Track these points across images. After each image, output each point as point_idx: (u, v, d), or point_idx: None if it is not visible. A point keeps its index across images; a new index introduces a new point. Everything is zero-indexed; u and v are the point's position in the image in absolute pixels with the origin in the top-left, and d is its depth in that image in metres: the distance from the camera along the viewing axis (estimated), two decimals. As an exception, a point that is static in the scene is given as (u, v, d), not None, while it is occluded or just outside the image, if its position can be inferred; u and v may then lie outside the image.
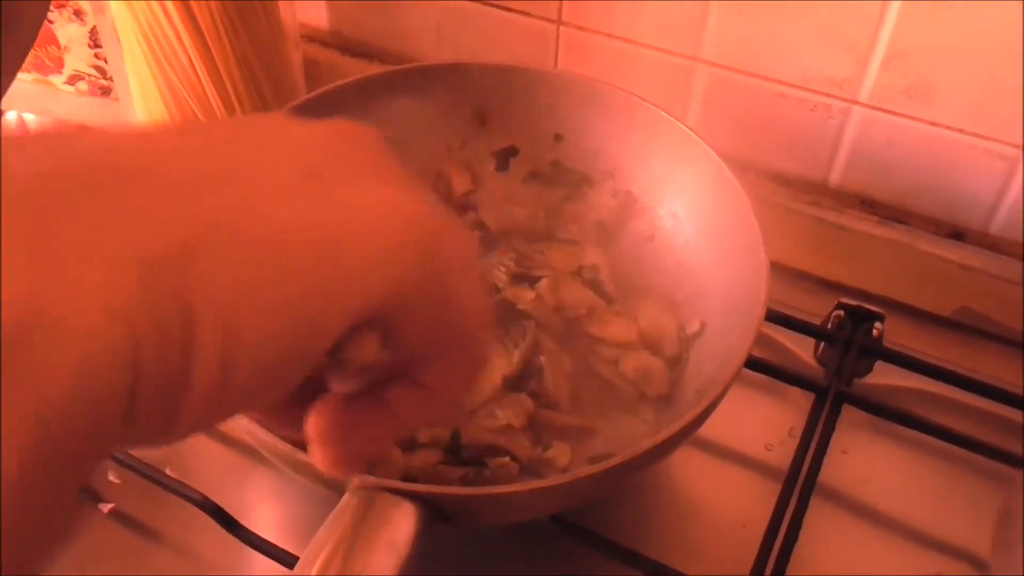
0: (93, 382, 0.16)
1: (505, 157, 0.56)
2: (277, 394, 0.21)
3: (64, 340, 0.16)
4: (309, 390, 0.25)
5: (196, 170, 0.19)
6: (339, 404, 0.25)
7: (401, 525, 0.35)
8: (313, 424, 0.25)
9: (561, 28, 0.64)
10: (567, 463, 0.46)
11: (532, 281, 0.53)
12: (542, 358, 0.49)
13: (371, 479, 0.36)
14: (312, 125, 0.24)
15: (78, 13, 0.70)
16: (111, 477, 0.50)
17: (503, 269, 0.52)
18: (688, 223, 0.53)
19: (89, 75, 0.74)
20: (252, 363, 0.19)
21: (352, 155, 0.23)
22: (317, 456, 0.25)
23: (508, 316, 0.51)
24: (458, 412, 0.27)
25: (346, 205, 0.21)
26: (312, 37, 0.74)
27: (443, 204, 0.24)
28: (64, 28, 0.71)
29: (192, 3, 0.57)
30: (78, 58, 0.73)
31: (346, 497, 0.36)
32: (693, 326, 0.50)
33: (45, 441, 0.16)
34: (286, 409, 0.26)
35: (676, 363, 0.50)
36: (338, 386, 0.25)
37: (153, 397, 0.18)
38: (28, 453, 0.16)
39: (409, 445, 0.46)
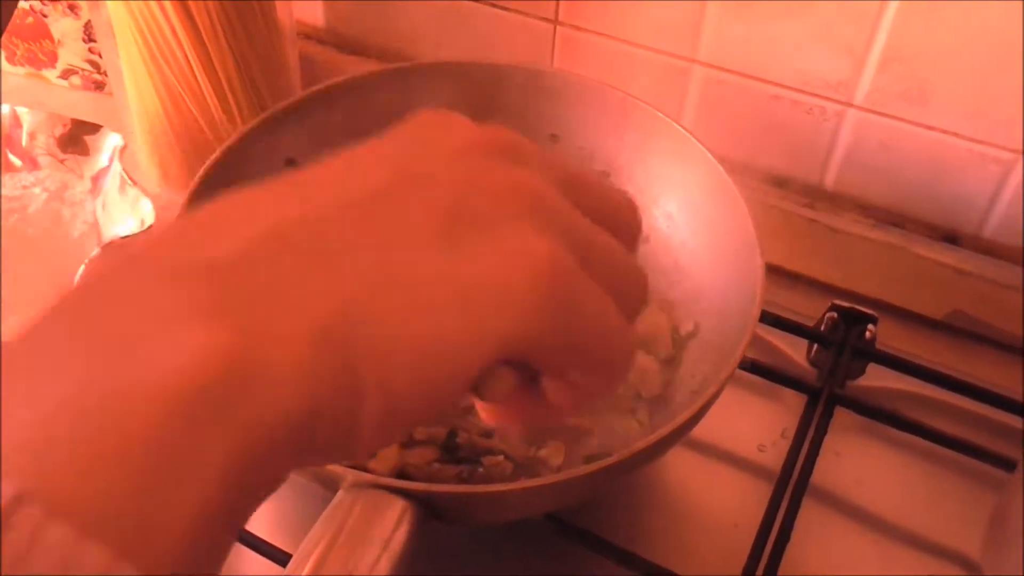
0: (279, 425, 0.20)
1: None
2: (428, 420, 0.25)
3: (263, 390, 0.19)
4: None
5: (350, 232, 0.22)
6: (511, 403, 0.28)
7: (395, 522, 0.35)
8: (482, 406, 0.28)
9: (558, 28, 0.64)
10: (561, 462, 0.46)
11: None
12: None
13: (365, 476, 0.36)
14: (461, 136, 0.26)
15: (72, 7, 0.70)
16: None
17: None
18: (683, 224, 0.53)
19: (83, 69, 0.74)
20: (406, 406, 0.22)
21: (494, 182, 0.25)
22: (484, 416, 0.29)
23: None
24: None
25: (485, 253, 0.23)
26: (308, 34, 0.74)
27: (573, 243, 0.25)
28: (58, 22, 0.71)
29: (188, -1, 0.56)
30: (72, 52, 0.73)
31: (340, 494, 0.36)
32: (687, 327, 0.50)
33: (237, 470, 0.19)
34: None
35: (670, 364, 0.50)
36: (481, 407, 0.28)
37: (329, 437, 0.21)
38: (226, 476, 0.19)
39: (406, 443, 0.46)
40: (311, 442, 0.21)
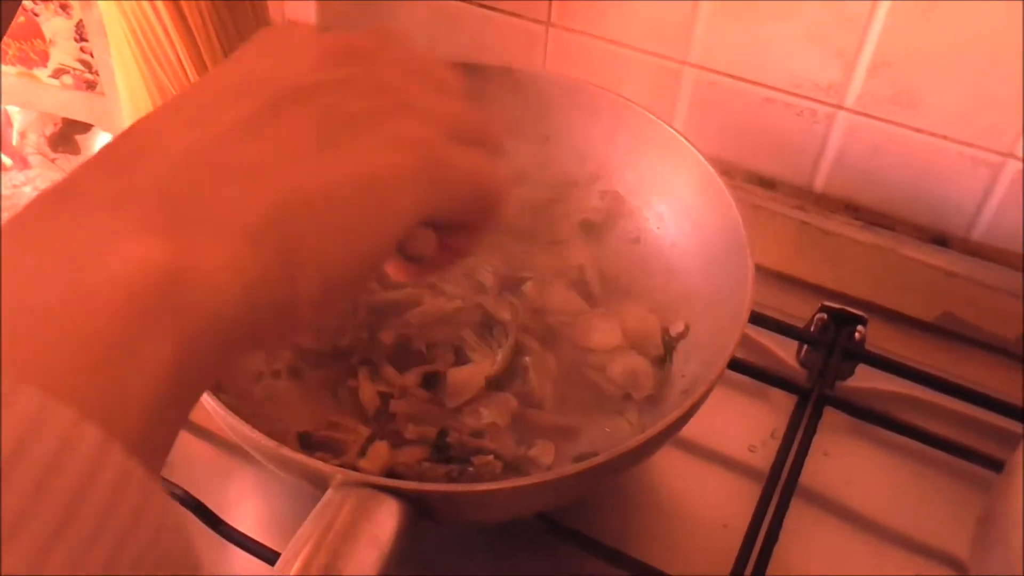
0: (219, 318, 0.23)
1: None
2: (363, 287, 0.30)
3: (198, 291, 0.23)
4: None
5: (251, 152, 0.26)
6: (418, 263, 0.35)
7: (384, 521, 0.35)
8: (391, 266, 0.35)
9: (550, 29, 0.64)
10: (551, 462, 0.46)
11: (519, 283, 0.53)
12: (527, 359, 0.49)
13: (355, 475, 0.36)
14: (312, 50, 0.31)
15: (64, 7, 0.70)
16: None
17: (490, 270, 0.52)
18: (674, 225, 0.54)
19: (74, 69, 0.73)
20: (340, 278, 0.27)
21: (356, 90, 0.30)
22: (393, 272, 0.35)
23: (492, 319, 0.51)
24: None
25: (366, 151, 0.28)
26: (300, 34, 0.74)
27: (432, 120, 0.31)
28: (50, 22, 0.71)
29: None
30: (63, 52, 0.72)
31: (329, 493, 0.36)
32: (678, 328, 0.51)
33: (186, 362, 0.22)
34: None
35: (660, 364, 0.50)
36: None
37: (271, 320, 0.25)
38: (173, 371, 0.22)
39: (396, 442, 0.46)
40: (254, 322, 0.25)
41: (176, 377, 0.22)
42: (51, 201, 0.24)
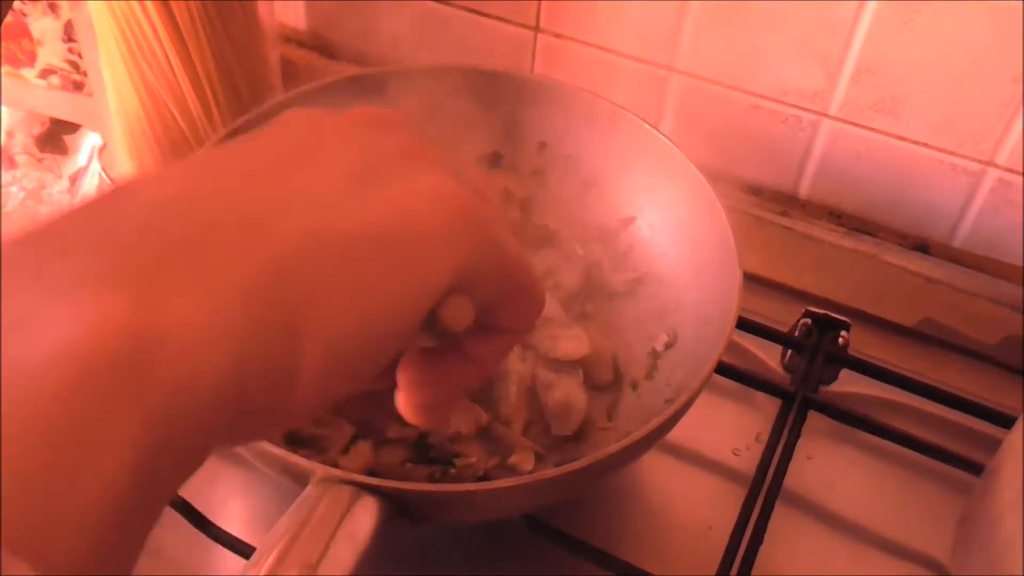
0: (197, 397, 0.19)
1: (489, 163, 0.57)
2: (381, 366, 0.24)
3: (170, 359, 0.18)
4: None
5: (260, 196, 0.22)
6: (426, 356, 0.29)
7: (361, 518, 0.35)
8: (404, 374, 0.29)
9: (538, 35, 0.64)
10: (532, 467, 0.46)
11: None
12: (508, 367, 0.49)
13: (335, 472, 0.36)
14: (341, 117, 0.27)
15: (53, 7, 0.70)
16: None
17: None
18: (665, 234, 0.54)
19: (62, 69, 0.73)
20: (354, 351, 0.22)
21: (387, 145, 0.26)
22: (403, 404, 0.29)
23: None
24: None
25: (399, 199, 0.24)
26: (290, 37, 0.74)
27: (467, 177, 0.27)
28: (38, 22, 0.70)
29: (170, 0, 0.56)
30: (51, 52, 0.72)
31: (308, 488, 0.36)
32: (665, 337, 0.51)
33: (152, 458, 0.18)
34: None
35: (648, 376, 0.50)
36: (427, 343, 0.29)
37: (263, 399, 0.21)
38: (134, 473, 0.17)
39: (377, 442, 0.46)
40: (242, 403, 0.20)
41: (139, 478, 0.17)
42: (13, 249, 0.19)
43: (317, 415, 0.25)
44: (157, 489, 0.18)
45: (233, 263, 0.20)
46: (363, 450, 0.45)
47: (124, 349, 0.17)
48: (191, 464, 0.20)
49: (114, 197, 0.22)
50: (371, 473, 0.44)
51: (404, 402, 0.29)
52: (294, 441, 0.45)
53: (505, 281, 0.27)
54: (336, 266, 0.22)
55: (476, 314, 0.26)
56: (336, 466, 0.42)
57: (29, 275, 0.18)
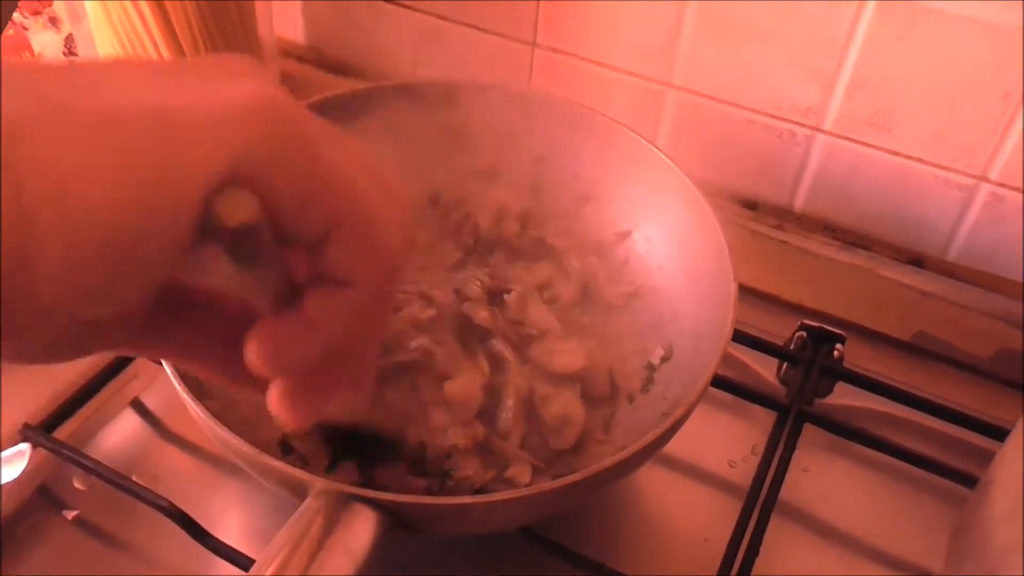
0: None
1: (487, 177, 0.57)
2: (148, 279, 0.21)
3: None
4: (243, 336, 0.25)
5: (45, 68, 0.21)
6: (267, 324, 0.25)
7: (360, 531, 0.35)
8: (250, 348, 0.25)
9: (536, 50, 0.65)
10: (529, 480, 0.46)
11: (502, 293, 0.53)
12: (506, 380, 0.49)
13: (333, 484, 0.36)
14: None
15: (54, 20, 0.70)
16: (76, 484, 0.50)
17: (478, 284, 0.53)
18: (661, 247, 0.54)
19: (62, 83, 0.74)
20: (102, 243, 0.19)
21: (224, 65, 0.24)
22: (272, 403, 0.26)
23: (472, 329, 0.51)
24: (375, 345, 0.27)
25: (187, 91, 0.22)
26: (289, 52, 0.75)
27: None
28: (39, 35, 0.71)
29: (171, 14, 0.57)
30: (52, 65, 0.73)
31: (307, 501, 0.36)
32: (661, 351, 0.51)
33: None
34: (231, 361, 0.26)
35: (644, 389, 0.50)
36: (255, 295, 0.25)
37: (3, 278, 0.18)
38: None
39: (372, 456, 0.46)
40: None
41: None
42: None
43: (85, 337, 0.21)
44: None
45: None
46: (349, 467, 0.45)
47: None
48: None
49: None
50: (369, 486, 0.44)
51: (271, 402, 0.27)
52: (290, 452, 0.45)
53: (314, 192, 0.23)
54: (77, 132, 0.19)
55: (269, 220, 0.23)
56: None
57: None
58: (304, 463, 0.45)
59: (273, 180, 0.22)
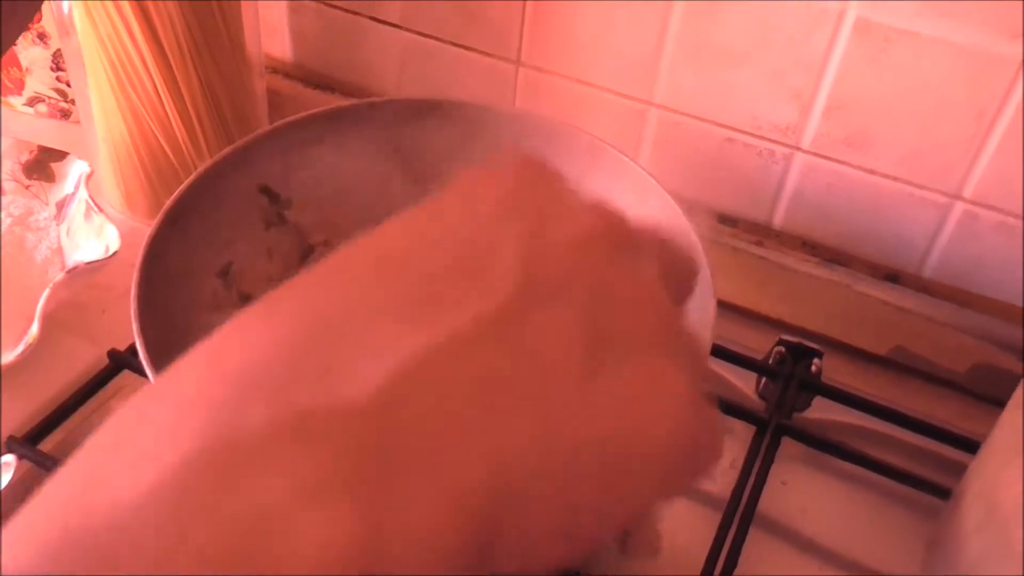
0: None
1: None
2: None
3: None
4: None
5: (476, 403, 0.18)
6: None
7: None
8: None
9: (520, 69, 0.66)
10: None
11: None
12: None
13: None
14: (572, 224, 0.22)
15: (42, 36, 0.71)
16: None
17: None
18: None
19: (49, 97, 0.74)
20: (536, 563, 0.19)
21: (621, 289, 0.21)
22: None
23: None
24: None
25: (627, 395, 0.20)
26: (276, 68, 0.75)
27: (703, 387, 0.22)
28: (27, 51, 0.71)
29: (159, 30, 0.58)
30: (39, 80, 0.73)
31: None
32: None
33: None
34: None
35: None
36: None
37: None
38: None
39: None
40: None
41: None
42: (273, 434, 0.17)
43: None
44: None
45: (455, 473, 0.18)
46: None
47: (353, 564, 0.16)
48: None
49: (328, 347, 0.18)
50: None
51: None
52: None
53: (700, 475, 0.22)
54: (549, 481, 0.19)
55: None
56: None
57: (262, 464, 0.16)
58: None
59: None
